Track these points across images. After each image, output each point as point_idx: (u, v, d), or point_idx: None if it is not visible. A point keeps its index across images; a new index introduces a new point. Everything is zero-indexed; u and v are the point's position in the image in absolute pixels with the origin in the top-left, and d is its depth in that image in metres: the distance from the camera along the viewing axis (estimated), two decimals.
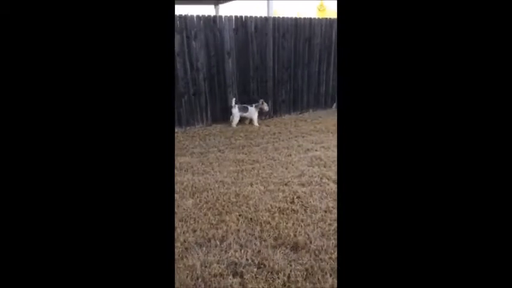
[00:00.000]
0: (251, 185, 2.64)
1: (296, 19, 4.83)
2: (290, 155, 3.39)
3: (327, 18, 5.17)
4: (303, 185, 2.62)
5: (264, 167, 3.04)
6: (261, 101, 4.72)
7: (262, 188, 2.57)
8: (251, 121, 4.76)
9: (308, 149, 3.57)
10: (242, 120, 4.73)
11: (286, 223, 2.03)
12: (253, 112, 4.68)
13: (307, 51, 5.11)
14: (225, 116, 4.80)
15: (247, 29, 4.51)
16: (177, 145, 3.80)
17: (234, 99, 4.60)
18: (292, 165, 3.09)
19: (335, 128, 4.46)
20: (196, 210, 2.23)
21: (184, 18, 4.08)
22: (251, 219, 2.09)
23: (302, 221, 2.06)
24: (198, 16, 4.15)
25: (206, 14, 4.20)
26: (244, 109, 4.63)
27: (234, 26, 4.41)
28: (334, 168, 2.97)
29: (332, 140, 3.91)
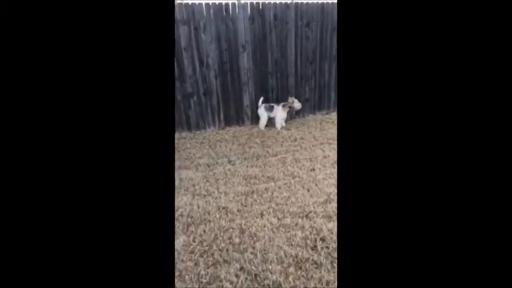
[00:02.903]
0: (261, 215, 2.07)
1: (323, 4, 4.13)
2: (313, 170, 2.77)
3: None
4: (329, 217, 2.00)
5: (280, 188, 2.45)
6: (291, 99, 4.09)
7: (275, 221, 1.99)
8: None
9: (336, 162, 2.93)
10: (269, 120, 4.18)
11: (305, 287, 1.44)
12: (278, 112, 4.08)
13: (334, 42, 4.40)
14: (239, 118, 4.24)
15: (265, 18, 3.89)
16: (182, 154, 3.30)
17: (261, 98, 4.06)
18: (316, 185, 2.47)
19: None
20: (186, 254, 1.70)
21: (192, 7, 3.54)
22: (255, 276, 1.52)
23: (328, 283, 1.46)
24: (207, 4, 3.59)
25: (217, 1, 3.63)
26: (270, 109, 4.06)
27: (249, 15, 3.81)
28: None
29: None
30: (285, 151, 3.29)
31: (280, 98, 4.29)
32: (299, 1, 4.01)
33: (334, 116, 4.63)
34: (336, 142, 3.49)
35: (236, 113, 4.21)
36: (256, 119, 4.25)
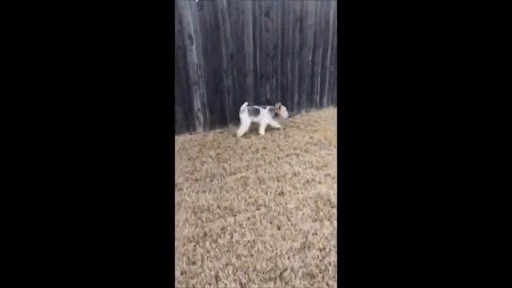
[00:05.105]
0: (217, 279, 1.43)
1: None
2: (282, 194, 2.21)
3: None
4: (311, 276, 1.44)
5: (241, 226, 1.84)
6: (277, 104, 3.57)
7: None
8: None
9: (308, 181, 2.40)
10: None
11: None
12: (264, 116, 3.52)
13: (298, 36, 3.88)
14: (189, 124, 3.53)
15: (217, 4, 3.22)
16: None
17: (246, 103, 3.42)
18: (288, 219, 1.90)
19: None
20: None
21: None
22: None
23: None
24: None
25: None
26: (254, 112, 3.46)
27: (197, 0, 3.11)
28: None
29: None
30: (246, 167, 2.68)
31: (237, 101, 3.66)
32: None
33: (298, 119, 4.13)
34: (304, 153, 2.98)
35: (185, 118, 3.49)
36: (210, 124, 3.59)
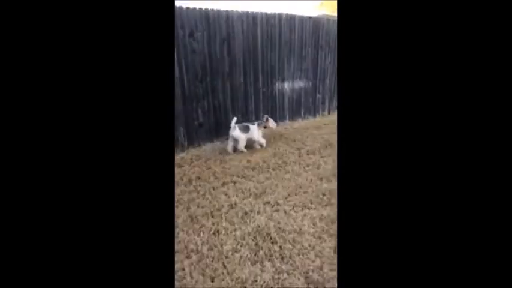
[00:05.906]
0: None
1: (207, 11, 3.43)
2: (217, 233, 1.93)
3: (248, 12, 3.90)
4: None
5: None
6: (264, 117, 3.71)
7: None
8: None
9: (246, 213, 2.17)
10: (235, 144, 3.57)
11: None
12: (255, 131, 3.59)
13: (225, 55, 3.75)
14: None
15: None
16: None
17: (235, 118, 3.48)
18: (224, 266, 1.62)
19: (276, 161, 3.17)
20: None
21: None
22: None
23: None
24: None
25: None
26: (245, 129, 3.47)
27: None
28: (306, 264, 1.61)
29: (278, 186, 2.59)
30: (176, 203, 2.35)
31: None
32: (177, 5, 3.19)
33: None
34: (241, 180, 2.76)
35: None
36: None
